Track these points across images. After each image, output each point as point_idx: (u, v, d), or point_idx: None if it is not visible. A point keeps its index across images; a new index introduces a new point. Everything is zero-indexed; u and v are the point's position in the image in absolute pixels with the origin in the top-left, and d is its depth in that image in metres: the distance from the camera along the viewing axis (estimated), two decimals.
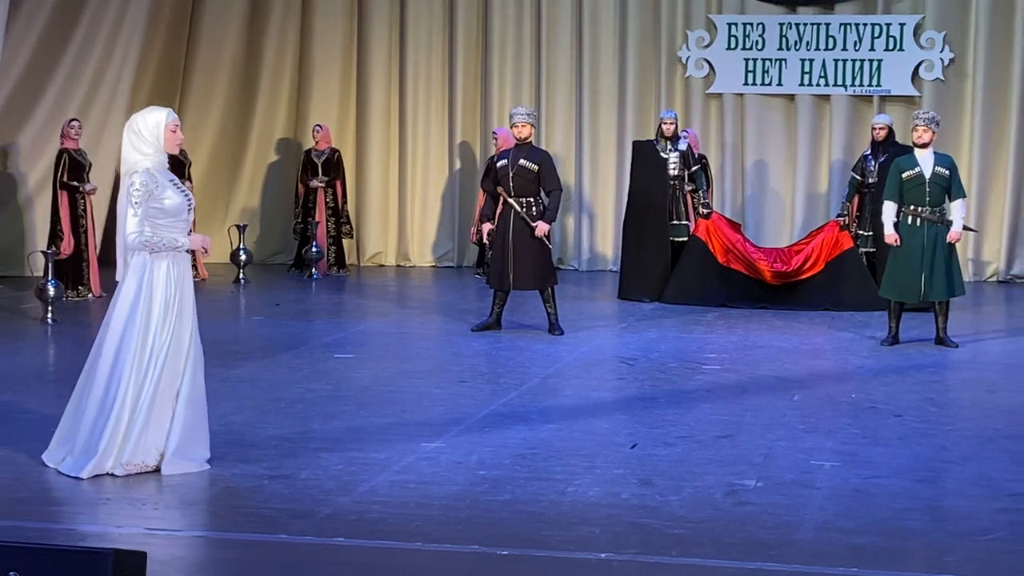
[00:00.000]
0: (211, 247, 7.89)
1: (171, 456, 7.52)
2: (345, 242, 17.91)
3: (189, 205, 7.58)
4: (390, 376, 10.71)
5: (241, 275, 16.65)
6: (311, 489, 7.36)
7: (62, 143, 14.84)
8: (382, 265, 18.86)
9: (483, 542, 6.45)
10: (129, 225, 7.39)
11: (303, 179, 17.63)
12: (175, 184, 7.56)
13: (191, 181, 16.09)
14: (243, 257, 16.79)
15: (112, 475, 7.40)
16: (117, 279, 7.60)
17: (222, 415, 8.83)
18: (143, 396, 7.41)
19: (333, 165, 17.58)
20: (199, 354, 7.65)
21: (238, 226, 17.12)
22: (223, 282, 16.53)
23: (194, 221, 7.96)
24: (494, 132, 16.86)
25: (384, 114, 18.85)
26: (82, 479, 7.36)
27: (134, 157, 7.46)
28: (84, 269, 14.88)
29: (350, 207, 18.06)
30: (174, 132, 7.54)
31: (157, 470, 7.51)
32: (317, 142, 17.62)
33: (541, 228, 12.37)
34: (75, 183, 14.73)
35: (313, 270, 17.22)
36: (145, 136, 7.46)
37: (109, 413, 7.39)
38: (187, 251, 7.60)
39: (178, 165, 13.62)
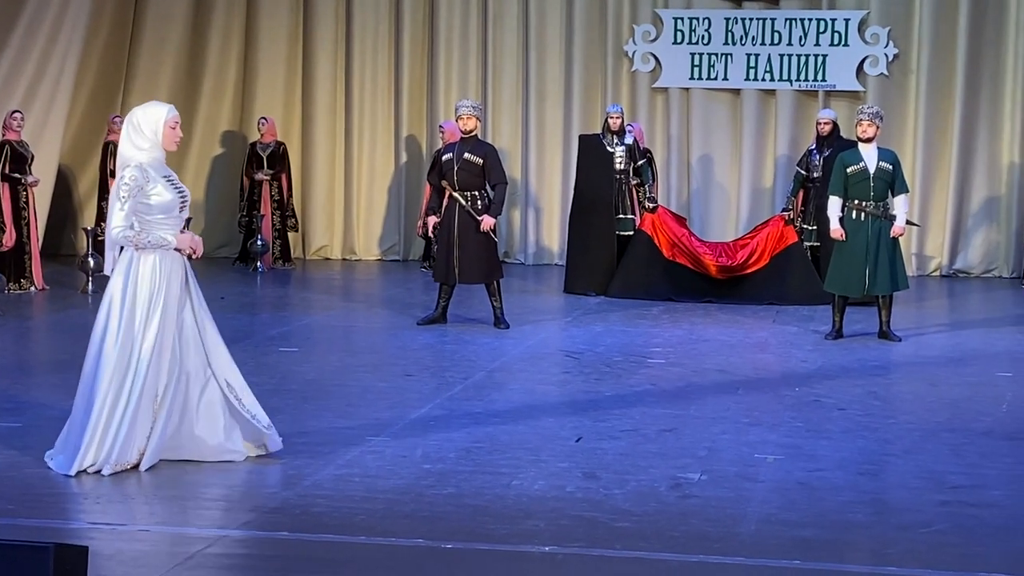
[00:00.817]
0: (200, 247, 7.62)
1: (149, 455, 7.42)
2: (290, 235, 17.83)
3: (182, 203, 7.46)
4: (335, 370, 10.69)
5: None
6: (256, 483, 7.32)
7: (4, 135, 14.70)
8: (328, 258, 18.79)
9: (428, 536, 6.44)
10: (115, 219, 7.29)
11: (248, 172, 17.53)
12: (170, 180, 7.43)
13: None
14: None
15: (100, 473, 7.29)
16: (106, 273, 7.54)
17: None
18: (127, 395, 7.29)
19: (278, 158, 17.50)
20: (186, 351, 7.55)
21: None
22: None
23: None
24: (441, 125, 16.83)
25: (330, 107, 18.78)
26: (71, 476, 7.28)
27: (129, 151, 7.36)
28: (26, 262, 14.75)
29: (296, 200, 17.97)
30: (173, 129, 7.44)
31: (136, 467, 7.44)
32: (262, 135, 17.53)
33: (487, 222, 12.35)
34: (17, 175, 14.60)
35: (258, 263, 17.14)
36: (143, 131, 7.37)
37: (91, 411, 7.31)
38: (175, 250, 7.46)
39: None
